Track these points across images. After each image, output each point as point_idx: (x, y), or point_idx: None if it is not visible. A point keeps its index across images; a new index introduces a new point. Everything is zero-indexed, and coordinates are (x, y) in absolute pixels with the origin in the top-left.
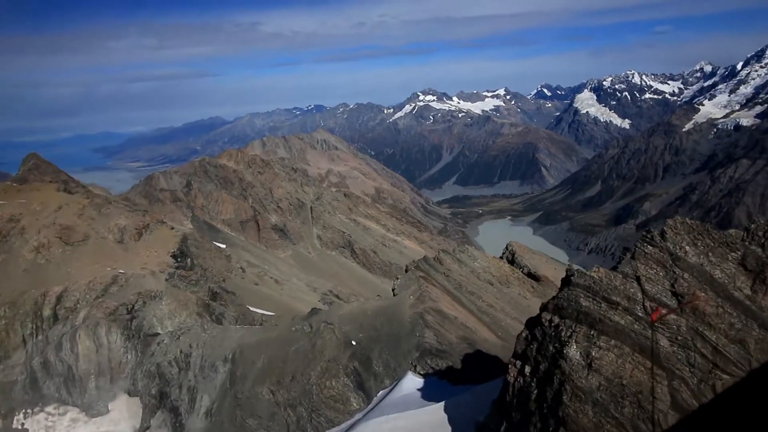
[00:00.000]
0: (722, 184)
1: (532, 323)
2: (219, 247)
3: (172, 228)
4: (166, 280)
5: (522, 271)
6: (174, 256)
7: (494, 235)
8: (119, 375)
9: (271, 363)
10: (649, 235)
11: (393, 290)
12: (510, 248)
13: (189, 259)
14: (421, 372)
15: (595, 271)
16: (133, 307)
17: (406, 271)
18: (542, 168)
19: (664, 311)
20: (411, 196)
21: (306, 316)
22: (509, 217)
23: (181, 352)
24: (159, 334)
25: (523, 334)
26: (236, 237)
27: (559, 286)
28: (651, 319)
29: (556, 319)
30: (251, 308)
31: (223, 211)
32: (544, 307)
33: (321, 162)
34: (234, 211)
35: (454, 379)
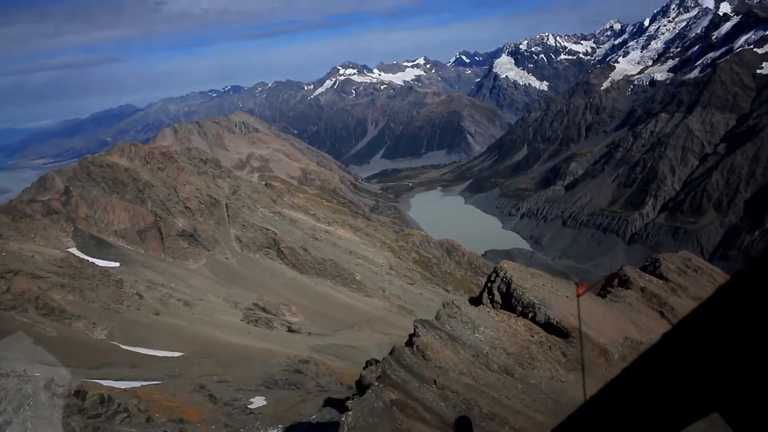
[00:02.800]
0: (644, 139)
1: None
2: (108, 269)
3: None
4: None
5: (533, 319)
6: None
7: (427, 207)
8: None
9: None
10: None
11: None
12: (503, 275)
13: None
14: None
15: None
16: None
17: (362, 389)
18: (468, 135)
19: (588, 285)
20: (339, 175)
21: None
22: (440, 188)
23: None
24: None
25: None
26: (134, 251)
27: (588, 333)
28: (576, 293)
29: None
30: (147, 352)
31: (114, 221)
32: None
33: (241, 146)
34: (129, 219)
35: None
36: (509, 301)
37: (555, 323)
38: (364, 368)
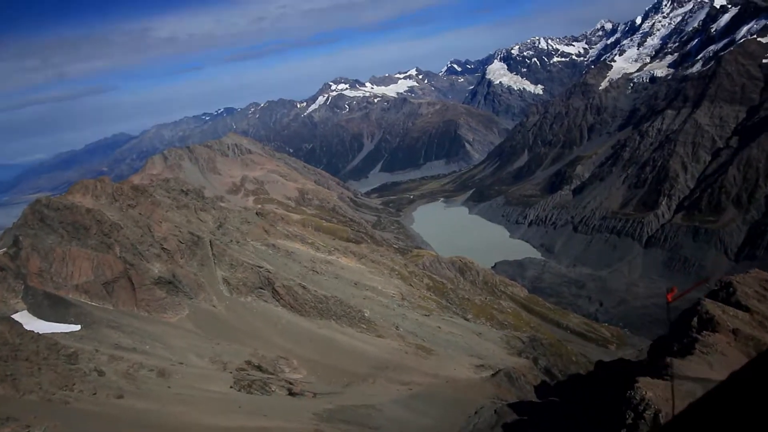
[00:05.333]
0: (651, 137)
1: None
2: (60, 339)
3: None
4: None
5: None
6: None
7: (430, 220)
8: None
9: None
10: None
11: None
12: (651, 414)
13: None
14: None
15: None
16: None
17: None
18: (466, 144)
19: (677, 293)
20: (338, 192)
21: None
22: (442, 199)
23: None
24: None
25: None
26: (100, 307)
27: None
28: (667, 299)
29: None
30: None
31: (74, 274)
32: None
33: (234, 169)
34: (92, 270)
35: None
36: None
37: None
38: None
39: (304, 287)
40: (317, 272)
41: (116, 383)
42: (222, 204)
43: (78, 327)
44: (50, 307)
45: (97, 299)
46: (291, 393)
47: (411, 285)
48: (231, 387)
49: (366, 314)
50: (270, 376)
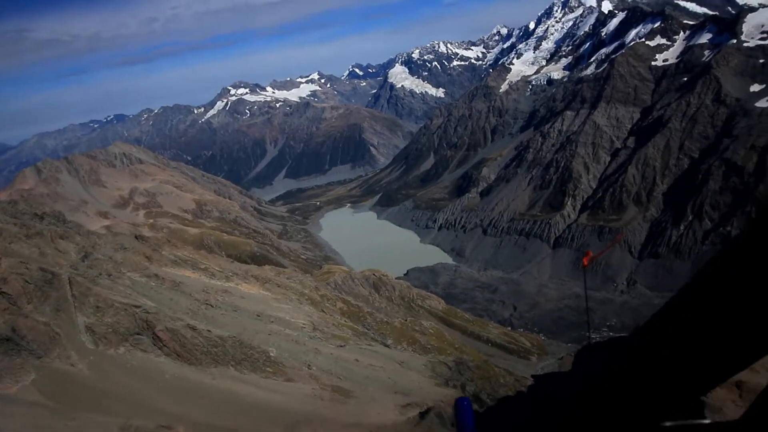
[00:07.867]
0: (552, 138)
1: None
2: None
3: None
4: None
5: None
6: None
7: (339, 227)
8: None
9: None
10: None
11: None
12: None
13: None
14: None
15: None
16: None
17: None
18: (371, 148)
19: (593, 255)
20: (240, 201)
21: None
22: (349, 204)
23: None
24: None
25: None
26: None
27: None
28: (583, 263)
29: None
30: None
31: None
32: None
33: (121, 181)
34: None
35: None
36: None
37: None
38: None
39: (193, 328)
40: (211, 305)
41: None
42: (105, 221)
43: None
44: None
45: None
46: None
47: (323, 311)
48: None
49: (272, 354)
50: None
